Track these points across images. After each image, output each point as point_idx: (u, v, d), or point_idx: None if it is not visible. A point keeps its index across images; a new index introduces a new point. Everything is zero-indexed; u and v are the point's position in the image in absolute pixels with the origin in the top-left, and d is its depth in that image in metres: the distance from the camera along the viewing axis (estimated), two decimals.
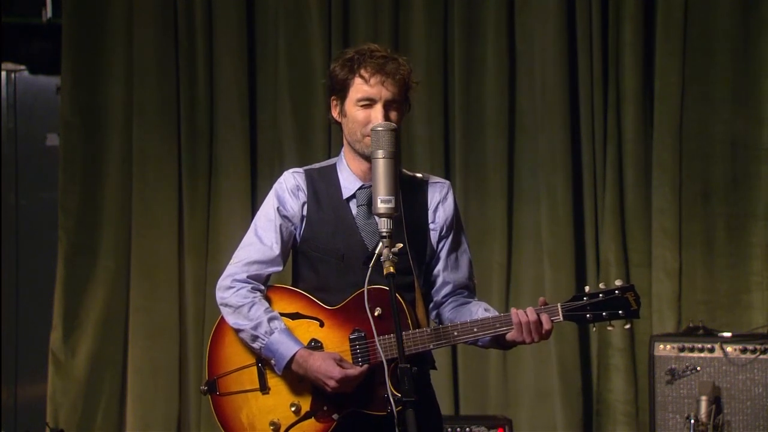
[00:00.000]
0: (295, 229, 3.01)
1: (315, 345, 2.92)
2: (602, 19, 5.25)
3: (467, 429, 4.57)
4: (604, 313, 2.88)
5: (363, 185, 2.99)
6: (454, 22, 5.31)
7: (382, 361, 2.81)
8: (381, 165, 2.76)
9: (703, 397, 4.57)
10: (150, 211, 5.27)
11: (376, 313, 2.80)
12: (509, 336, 2.89)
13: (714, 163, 5.24)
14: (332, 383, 2.83)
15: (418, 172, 3.11)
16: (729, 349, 4.67)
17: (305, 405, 2.92)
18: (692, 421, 4.54)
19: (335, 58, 3.03)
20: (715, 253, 5.21)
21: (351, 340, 2.90)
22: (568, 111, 5.26)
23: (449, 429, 4.55)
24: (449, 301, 3.07)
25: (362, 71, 2.92)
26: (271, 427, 2.91)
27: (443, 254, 3.06)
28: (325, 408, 2.90)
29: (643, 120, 5.25)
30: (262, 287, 2.99)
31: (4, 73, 5.57)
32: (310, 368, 2.85)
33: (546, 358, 5.18)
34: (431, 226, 3.04)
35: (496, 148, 5.30)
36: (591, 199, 5.28)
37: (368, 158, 2.90)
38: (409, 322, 2.87)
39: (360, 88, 2.93)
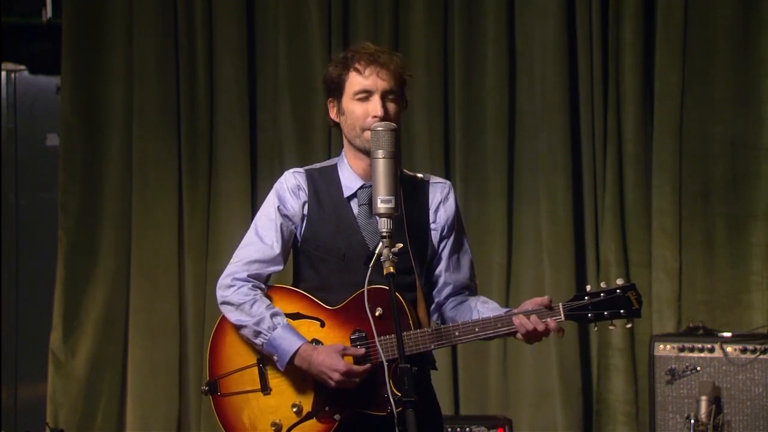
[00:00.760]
0: (295, 228, 3.01)
1: (315, 345, 2.91)
2: (602, 18, 5.24)
3: (467, 429, 4.57)
4: (605, 313, 2.88)
5: (364, 184, 3.00)
6: (454, 22, 5.31)
7: (382, 362, 2.82)
8: (381, 165, 2.76)
9: (703, 397, 4.57)
10: (150, 211, 5.27)
11: (377, 313, 2.80)
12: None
13: (714, 163, 5.24)
14: (337, 376, 2.82)
15: (419, 173, 3.11)
16: (729, 349, 4.66)
17: (307, 405, 2.91)
18: (692, 421, 4.54)
19: (329, 63, 3.05)
20: (715, 253, 5.21)
21: (352, 341, 2.90)
22: (568, 111, 5.26)
23: (449, 429, 4.55)
24: (451, 300, 3.07)
25: (356, 65, 2.94)
26: (273, 428, 2.91)
27: (445, 254, 3.06)
28: (326, 408, 2.90)
29: (643, 120, 5.25)
30: (263, 286, 2.99)
31: (4, 73, 5.57)
32: (314, 362, 2.85)
33: (546, 358, 5.18)
34: (432, 225, 3.04)
35: (496, 148, 5.30)
36: (591, 199, 5.28)
37: (368, 154, 2.89)
38: (410, 321, 2.87)
39: (355, 81, 2.94)
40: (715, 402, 4.58)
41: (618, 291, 2.89)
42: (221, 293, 2.97)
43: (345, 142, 3.03)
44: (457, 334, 2.88)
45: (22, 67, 5.60)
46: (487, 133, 5.31)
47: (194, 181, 5.29)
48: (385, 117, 2.91)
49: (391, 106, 2.94)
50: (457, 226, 3.08)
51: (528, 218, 5.30)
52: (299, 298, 2.97)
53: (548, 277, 5.21)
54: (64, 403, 5.21)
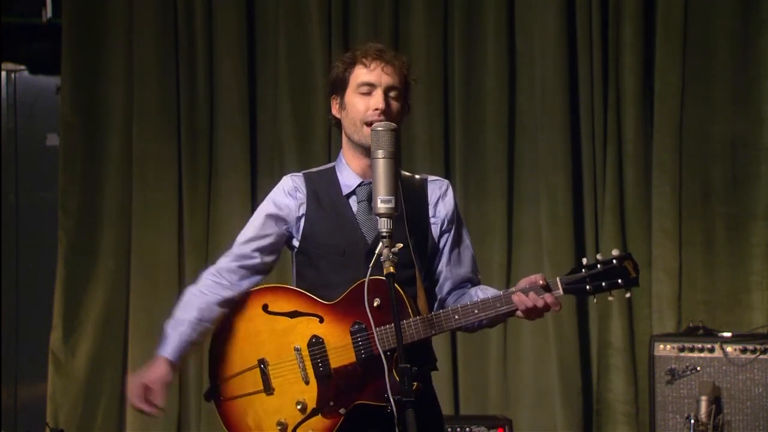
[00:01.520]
0: (288, 229, 3.02)
1: (316, 341, 2.92)
2: (602, 19, 5.25)
3: (467, 429, 4.57)
4: (603, 284, 2.88)
5: (363, 182, 3.01)
6: (454, 22, 5.31)
7: (384, 353, 2.81)
8: (381, 165, 2.76)
9: (703, 397, 4.57)
10: (150, 211, 5.27)
11: (375, 304, 2.80)
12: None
13: (714, 163, 5.24)
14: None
15: (417, 174, 3.12)
16: (729, 349, 4.66)
17: (311, 402, 2.91)
18: (692, 421, 4.54)
19: (335, 62, 3.07)
20: (715, 253, 5.21)
21: (352, 333, 2.90)
22: (568, 111, 5.26)
23: (449, 429, 4.55)
24: (453, 294, 3.09)
25: (362, 59, 2.97)
26: (279, 427, 2.91)
27: (446, 250, 3.08)
28: (331, 404, 2.90)
29: (643, 120, 5.25)
30: (226, 282, 3.03)
31: (4, 73, 5.58)
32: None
33: (546, 358, 5.18)
34: (432, 220, 3.05)
35: (496, 148, 5.30)
36: (591, 199, 5.28)
37: (367, 150, 2.90)
38: (410, 311, 2.87)
39: (360, 73, 2.96)
40: (715, 402, 4.59)
41: (614, 261, 2.89)
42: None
43: (344, 140, 3.04)
44: (456, 317, 2.88)
45: (22, 67, 5.60)
46: (487, 133, 5.31)
47: (194, 181, 5.29)
48: (387, 112, 2.93)
49: (393, 104, 2.95)
50: (456, 221, 3.09)
51: (528, 218, 5.30)
52: (296, 296, 2.97)
53: (548, 277, 5.20)
54: (64, 403, 5.21)
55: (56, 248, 5.23)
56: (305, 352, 2.92)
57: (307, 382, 2.92)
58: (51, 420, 5.17)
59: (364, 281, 2.77)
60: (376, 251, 2.70)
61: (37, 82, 5.60)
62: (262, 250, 3.02)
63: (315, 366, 2.91)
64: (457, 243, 3.09)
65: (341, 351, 2.90)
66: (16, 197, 5.56)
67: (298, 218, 3.02)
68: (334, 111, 3.04)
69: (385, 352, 2.81)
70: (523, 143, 5.34)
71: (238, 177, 5.27)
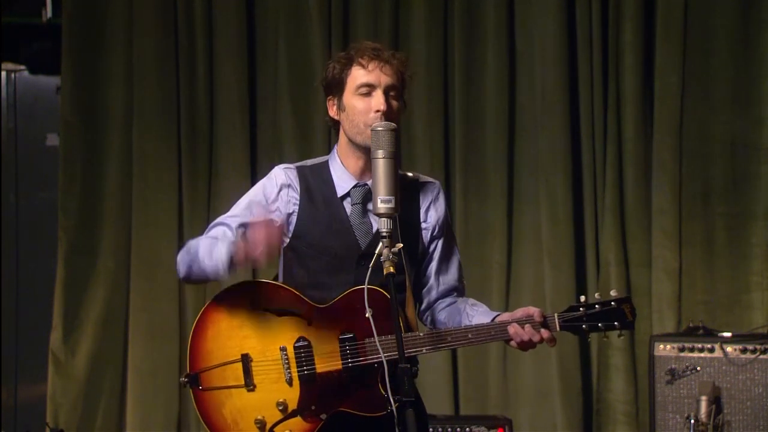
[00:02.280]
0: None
1: (303, 343, 2.90)
2: (602, 19, 5.25)
3: (467, 429, 4.57)
4: (600, 324, 2.90)
5: (357, 183, 2.99)
6: (454, 22, 5.31)
7: (372, 363, 2.82)
8: (381, 165, 2.75)
9: (703, 397, 4.57)
10: (150, 211, 5.27)
11: (367, 314, 2.75)
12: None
13: (714, 163, 5.24)
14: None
15: (408, 172, 3.09)
16: (729, 349, 4.66)
17: (292, 403, 2.89)
18: (692, 421, 4.54)
19: (329, 62, 3.03)
20: (715, 253, 5.21)
21: (341, 341, 2.88)
22: (568, 111, 5.26)
23: (449, 429, 4.55)
24: (440, 302, 3.07)
25: (359, 60, 2.93)
26: (257, 425, 2.89)
27: (436, 256, 3.06)
28: (312, 407, 2.88)
29: (643, 120, 5.25)
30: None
31: (4, 73, 5.57)
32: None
33: (546, 358, 5.18)
34: (423, 225, 3.04)
35: (496, 148, 5.30)
36: (591, 199, 5.28)
37: (369, 151, 2.87)
38: (401, 322, 2.85)
39: (358, 75, 2.93)
40: (715, 402, 4.58)
41: (613, 303, 2.90)
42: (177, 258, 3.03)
43: (343, 139, 3.01)
44: (449, 339, 2.88)
45: (22, 67, 5.60)
46: (487, 133, 5.31)
47: (194, 181, 5.29)
48: (388, 112, 2.90)
49: (393, 103, 2.93)
50: (446, 227, 3.08)
51: (528, 218, 5.30)
52: (286, 295, 2.94)
53: (548, 277, 5.21)
54: (64, 403, 5.21)
55: (56, 248, 5.23)
56: (291, 353, 2.90)
57: (290, 383, 2.90)
58: (51, 420, 5.17)
59: (359, 289, 2.76)
60: (377, 251, 2.68)
61: (37, 82, 5.60)
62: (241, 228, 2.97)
63: (300, 368, 2.89)
64: (446, 250, 3.07)
65: (327, 357, 2.88)
66: (16, 197, 5.56)
67: (289, 214, 2.99)
68: (332, 113, 3.01)
69: (374, 363, 2.82)
70: (523, 143, 5.33)
71: (238, 177, 5.27)
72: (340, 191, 2.99)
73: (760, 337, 4.72)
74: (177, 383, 5.21)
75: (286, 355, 2.90)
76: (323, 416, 2.88)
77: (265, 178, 3.04)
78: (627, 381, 5.14)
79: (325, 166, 3.03)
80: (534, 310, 2.88)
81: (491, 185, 5.30)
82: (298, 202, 2.99)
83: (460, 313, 2.98)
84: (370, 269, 2.70)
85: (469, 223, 5.27)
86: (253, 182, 5.21)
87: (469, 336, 2.87)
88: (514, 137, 5.34)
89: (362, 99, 2.92)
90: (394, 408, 2.65)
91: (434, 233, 3.05)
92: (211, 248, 2.90)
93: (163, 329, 5.24)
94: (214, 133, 5.32)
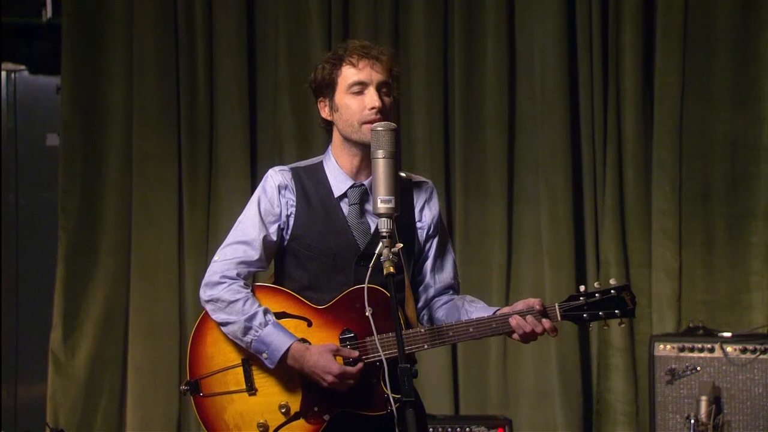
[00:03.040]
0: (281, 227, 2.99)
1: (308, 345, 2.89)
2: (602, 19, 5.25)
3: (467, 429, 4.57)
4: (600, 313, 2.89)
5: (354, 184, 2.98)
6: (454, 22, 5.31)
7: (374, 362, 2.83)
8: (381, 165, 2.75)
9: (703, 397, 4.57)
10: (150, 211, 5.27)
11: (367, 313, 2.76)
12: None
13: (714, 163, 5.24)
14: (330, 378, 2.81)
15: (401, 171, 3.06)
16: (729, 349, 4.66)
17: (295, 405, 2.90)
18: (692, 421, 4.54)
19: (316, 63, 3.02)
20: (715, 253, 5.21)
21: (341, 340, 2.89)
22: (568, 111, 5.26)
23: (449, 429, 4.55)
24: (436, 300, 3.07)
25: (349, 59, 2.93)
26: (260, 429, 2.89)
27: (431, 254, 3.06)
28: (315, 409, 2.89)
29: (643, 120, 5.25)
30: (250, 286, 2.97)
31: (4, 73, 5.57)
32: (306, 363, 2.83)
33: (546, 358, 5.18)
34: (418, 225, 3.04)
35: (496, 148, 5.30)
36: (591, 199, 5.28)
37: (366, 147, 2.89)
38: (401, 321, 2.86)
39: (349, 73, 2.93)
40: (715, 402, 4.59)
41: (612, 291, 2.90)
42: (210, 292, 2.93)
43: (337, 139, 3.01)
44: (451, 334, 2.88)
45: (22, 67, 5.59)
46: (487, 133, 5.31)
47: (194, 181, 5.28)
48: (383, 108, 2.90)
49: (386, 100, 2.93)
50: (441, 226, 3.08)
51: (528, 218, 5.30)
52: (285, 297, 2.95)
53: (548, 277, 5.21)
54: (64, 403, 5.21)
55: (56, 248, 5.23)
56: None
57: (292, 385, 2.90)
58: (51, 420, 5.17)
59: (358, 288, 2.76)
60: (377, 251, 2.69)
61: (37, 82, 5.60)
62: (266, 252, 2.98)
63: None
64: (441, 249, 3.07)
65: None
66: (16, 197, 5.56)
67: (288, 216, 2.98)
68: (324, 114, 3.00)
69: (376, 362, 2.82)
70: (523, 143, 5.33)
71: (238, 177, 5.27)
72: (337, 192, 2.99)
73: (760, 337, 4.73)
74: (177, 383, 5.21)
75: None
76: (326, 417, 2.88)
77: (262, 184, 3.04)
78: (627, 381, 5.14)
79: (320, 167, 3.03)
80: (534, 301, 2.88)
81: (491, 185, 5.30)
82: (295, 204, 2.99)
83: (458, 309, 2.98)
84: (370, 269, 2.71)
85: (469, 223, 5.27)
86: (253, 182, 5.29)
87: (471, 330, 2.87)
88: (514, 137, 5.34)
89: (355, 98, 2.92)
90: (393, 407, 2.65)
91: (429, 232, 3.05)
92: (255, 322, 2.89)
93: (163, 329, 5.24)
94: (214, 133, 5.32)
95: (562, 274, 5.19)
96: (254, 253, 2.96)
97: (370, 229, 2.95)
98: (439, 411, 4.95)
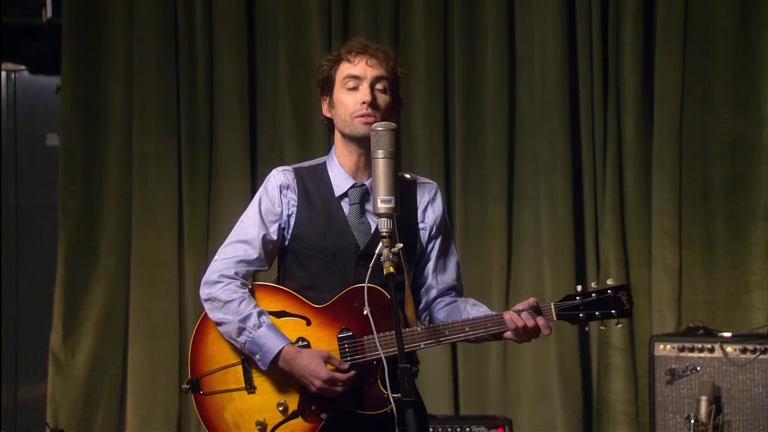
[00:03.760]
0: (282, 227, 3.00)
1: (302, 344, 2.90)
2: (602, 19, 5.25)
3: (467, 429, 4.57)
4: (596, 313, 2.89)
5: (355, 183, 2.99)
6: (454, 22, 5.31)
7: (371, 361, 2.83)
8: (381, 165, 2.75)
9: (703, 397, 4.57)
10: (150, 211, 5.27)
11: (365, 312, 2.75)
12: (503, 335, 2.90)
13: (714, 163, 5.24)
14: (318, 383, 2.82)
15: (406, 173, 3.09)
16: (729, 349, 4.67)
17: (292, 404, 2.90)
18: (692, 421, 4.54)
19: (321, 64, 3.07)
20: (715, 253, 5.21)
21: (339, 339, 2.89)
22: (568, 111, 5.26)
23: (449, 429, 4.55)
24: (438, 301, 3.07)
25: (346, 55, 2.98)
26: (258, 427, 2.90)
27: (433, 255, 3.06)
28: (313, 407, 2.89)
29: (643, 120, 5.25)
30: (250, 285, 2.98)
31: (4, 73, 5.58)
32: (296, 366, 2.84)
33: (546, 358, 5.18)
34: (421, 225, 3.04)
35: (496, 148, 5.30)
36: (591, 199, 5.28)
37: (360, 141, 2.90)
38: (400, 321, 2.86)
39: (344, 69, 2.97)
40: (715, 402, 4.59)
41: (609, 291, 2.90)
42: (208, 290, 2.95)
43: (337, 137, 3.02)
44: (447, 333, 2.88)
45: (22, 67, 5.60)
46: (487, 133, 5.31)
47: (194, 181, 5.29)
48: (374, 104, 2.92)
49: (381, 96, 2.94)
50: (444, 227, 3.08)
51: (528, 218, 5.30)
52: (285, 296, 2.96)
53: (548, 277, 5.21)
54: (64, 403, 5.21)
55: (56, 248, 5.23)
56: None
57: (290, 383, 2.90)
58: (51, 420, 5.17)
59: (357, 287, 2.76)
60: (377, 251, 2.69)
61: (37, 82, 5.60)
62: (267, 251, 2.99)
63: None
64: (444, 250, 3.07)
65: None
66: (16, 197, 5.56)
67: (288, 216, 3.00)
68: (325, 111, 3.03)
69: (373, 361, 2.82)
70: (523, 143, 5.33)
71: (238, 177, 5.27)
72: (338, 191, 3.00)
73: (760, 337, 4.73)
74: (177, 383, 5.21)
75: None
76: (324, 416, 2.88)
77: (264, 183, 3.06)
78: (627, 381, 5.14)
79: (323, 167, 3.04)
80: (531, 299, 2.88)
81: (491, 185, 5.30)
82: (296, 204, 3.00)
83: (460, 312, 2.98)
84: (370, 269, 2.70)
85: (469, 223, 5.27)
86: (253, 182, 5.29)
87: (467, 329, 2.87)
88: (514, 137, 5.34)
89: (349, 93, 2.95)
90: (393, 406, 2.65)
91: (432, 233, 3.05)
92: (250, 323, 2.90)
93: (163, 329, 5.24)
94: (214, 133, 5.32)
95: (562, 274, 5.19)
96: (253, 252, 2.97)
97: (370, 229, 2.95)
98: (439, 411, 4.95)
